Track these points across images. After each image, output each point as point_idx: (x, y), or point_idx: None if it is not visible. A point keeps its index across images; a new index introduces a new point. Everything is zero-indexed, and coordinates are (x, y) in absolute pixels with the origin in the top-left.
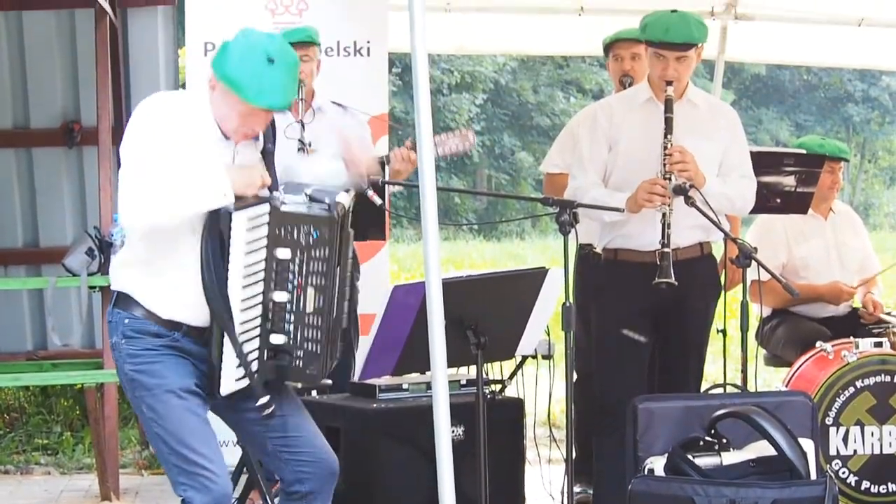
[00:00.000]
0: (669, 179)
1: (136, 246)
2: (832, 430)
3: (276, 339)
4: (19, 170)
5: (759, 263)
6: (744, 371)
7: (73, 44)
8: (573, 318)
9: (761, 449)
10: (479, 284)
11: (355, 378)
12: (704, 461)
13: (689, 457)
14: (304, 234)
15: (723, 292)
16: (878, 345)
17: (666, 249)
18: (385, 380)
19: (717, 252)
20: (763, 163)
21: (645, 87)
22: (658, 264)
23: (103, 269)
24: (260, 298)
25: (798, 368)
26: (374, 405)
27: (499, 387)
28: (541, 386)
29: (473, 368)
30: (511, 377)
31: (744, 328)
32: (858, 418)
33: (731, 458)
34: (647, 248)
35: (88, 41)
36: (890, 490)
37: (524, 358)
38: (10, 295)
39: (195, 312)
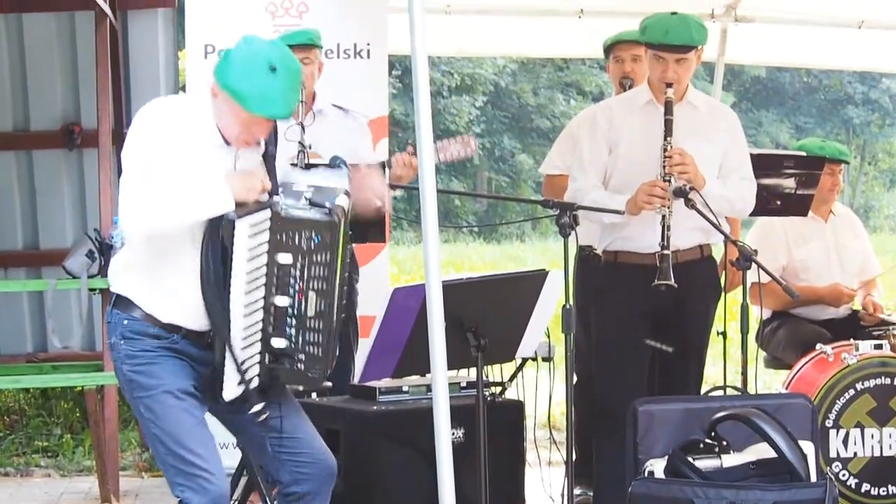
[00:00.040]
0: (669, 181)
1: (137, 250)
2: (832, 432)
3: (278, 342)
4: (19, 172)
5: (759, 266)
6: (744, 373)
7: (74, 46)
8: (573, 320)
9: (761, 451)
10: (479, 287)
11: (355, 380)
12: (704, 463)
13: (690, 459)
14: (306, 240)
15: (723, 294)
16: (879, 347)
17: (665, 251)
18: (385, 382)
19: (717, 254)
20: (763, 165)
21: (645, 89)
22: (658, 266)
23: (103, 271)
24: (261, 303)
25: (798, 371)
26: (375, 407)
27: (499, 389)
28: (541, 388)
29: (473, 371)
30: (511, 379)
31: (744, 330)
32: (858, 420)
33: (731, 460)
34: (647, 251)
35: (88, 43)
36: (890, 492)
37: (524, 360)
38: (10, 297)
39: (195, 317)
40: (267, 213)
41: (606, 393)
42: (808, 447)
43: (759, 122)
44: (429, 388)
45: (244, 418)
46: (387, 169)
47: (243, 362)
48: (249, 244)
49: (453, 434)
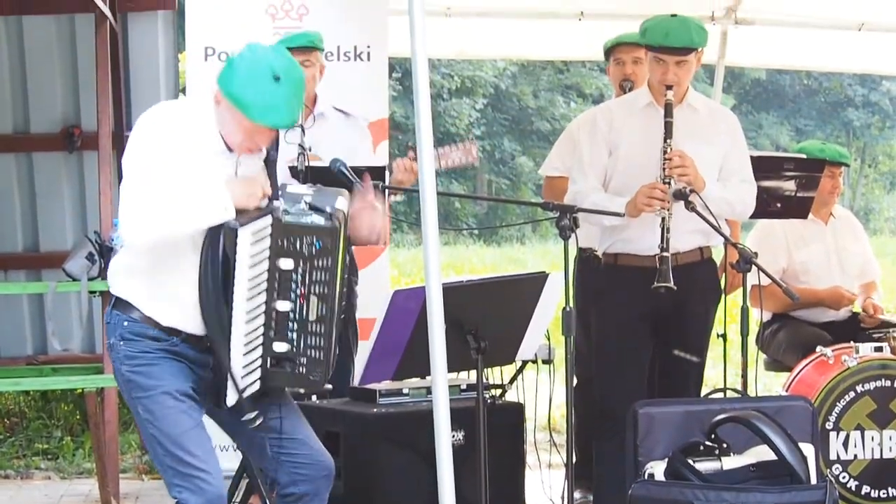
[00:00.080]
0: (669, 184)
1: (138, 254)
2: (832, 434)
3: (280, 347)
4: (19, 174)
5: (760, 268)
6: (744, 376)
7: (74, 48)
8: (573, 322)
9: (761, 454)
10: (479, 289)
11: (355, 383)
12: (705, 466)
13: (690, 461)
14: (307, 245)
15: (723, 297)
16: (879, 349)
17: (665, 253)
18: (385, 384)
19: (717, 257)
20: (763, 167)
21: (645, 91)
22: (657, 269)
23: (103, 273)
24: (263, 308)
25: (798, 373)
26: (375, 410)
27: (499, 391)
28: (541, 391)
29: (474, 373)
30: (511, 382)
31: (744, 333)
32: (859, 423)
33: (731, 462)
34: (647, 253)
35: (88, 46)
36: (890, 495)
37: (524, 363)
38: (10, 300)
39: (195, 321)
40: (268, 220)
41: (606, 395)
42: (808, 449)
43: (760, 124)
44: (429, 390)
45: (243, 421)
46: (387, 172)
47: (244, 367)
48: (251, 251)
49: (453, 436)
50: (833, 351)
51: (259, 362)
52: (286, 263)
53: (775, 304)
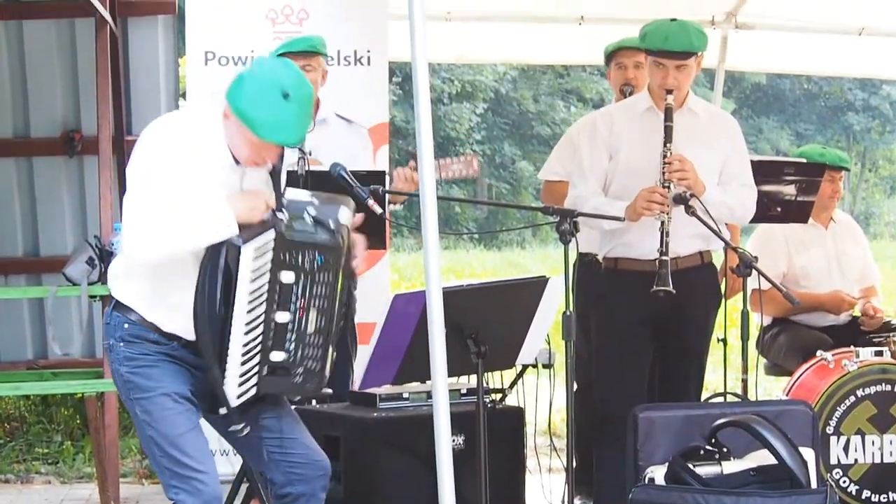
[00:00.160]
0: (668, 188)
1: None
2: (833, 439)
3: (277, 356)
4: (20, 179)
5: (760, 272)
6: (744, 380)
7: (74, 53)
8: (573, 327)
9: (762, 458)
10: (479, 293)
11: (355, 387)
12: (705, 470)
13: (690, 466)
14: (309, 261)
15: (723, 301)
16: (879, 354)
17: (664, 257)
18: (385, 389)
19: (717, 261)
20: (763, 172)
21: (645, 95)
22: (657, 273)
23: (104, 278)
24: (262, 318)
25: (798, 377)
26: (375, 414)
27: (499, 396)
28: (541, 395)
29: (474, 377)
30: (511, 386)
31: (744, 337)
32: (859, 427)
33: (731, 467)
34: (647, 257)
35: (89, 50)
36: (891, 499)
37: (525, 367)
38: (10, 304)
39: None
40: (271, 234)
41: (607, 399)
42: (808, 454)
43: (760, 128)
44: (429, 394)
45: (230, 431)
46: (387, 178)
47: (240, 376)
48: (253, 266)
49: (454, 441)
50: (833, 355)
51: (256, 369)
52: (287, 277)
53: (775, 309)
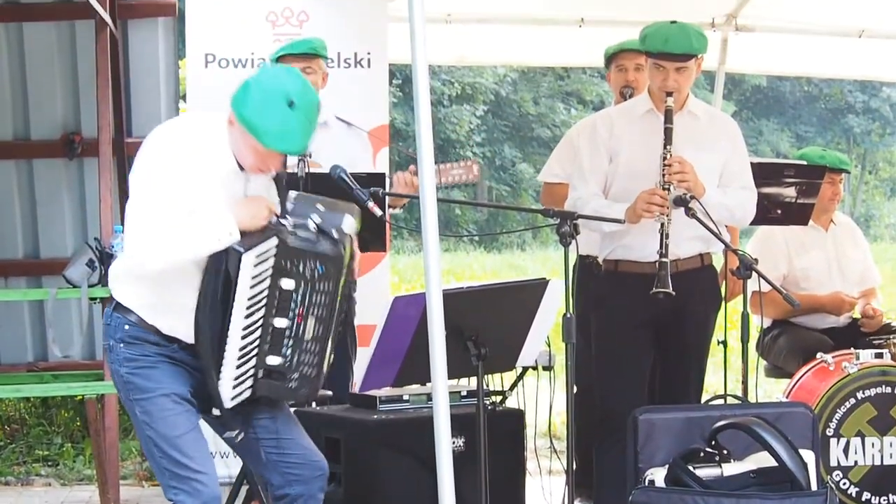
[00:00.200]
0: (668, 190)
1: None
2: (833, 441)
3: (273, 360)
4: (20, 181)
5: (760, 275)
6: (744, 382)
7: (74, 55)
8: (574, 329)
9: (762, 460)
10: (479, 295)
11: (355, 389)
12: (705, 472)
13: (690, 468)
14: (310, 270)
15: (723, 303)
16: (879, 356)
17: (664, 259)
18: (385, 391)
19: (718, 264)
20: (764, 174)
21: (645, 98)
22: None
23: (104, 280)
24: (261, 322)
25: (799, 379)
26: (375, 416)
27: (499, 398)
28: (541, 397)
29: (474, 380)
30: (511, 388)
31: (744, 339)
32: (859, 429)
33: (731, 469)
34: (647, 259)
35: (89, 53)
36: (891, 501)
37: (525, 369)
38: (10, 306)
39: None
40: (273, 242)
41: (607, 401)
42: (808, 456)
43: (760, 130)
44: (429, 396)
45: (225, 437)
46: (387, 180)
47: (235, 379)
48: (253, 272)
49: (454, 443)
50: (833, 357)
51: (252, 372)
52: (287, 284)
53: (776, 311)
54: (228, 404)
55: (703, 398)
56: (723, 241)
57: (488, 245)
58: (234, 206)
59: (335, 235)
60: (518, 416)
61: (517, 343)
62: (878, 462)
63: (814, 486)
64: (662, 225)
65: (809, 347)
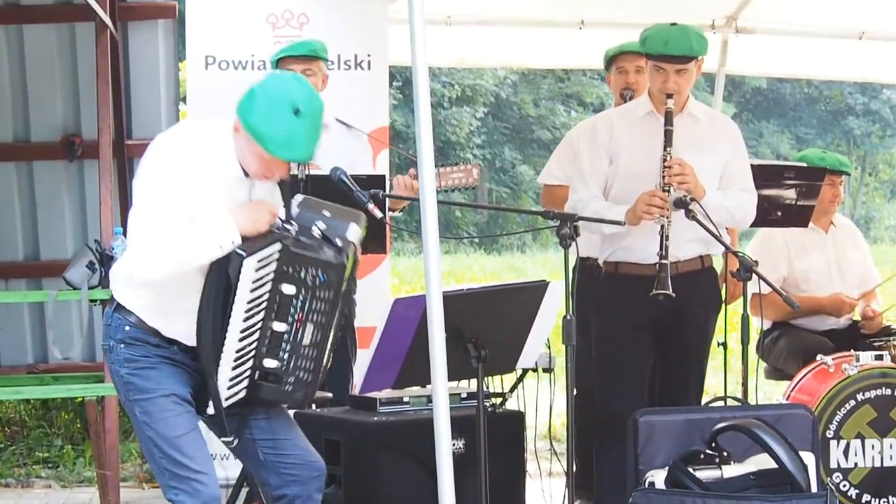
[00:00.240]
0: (668, 192)
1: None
2: (833, 443)
3: (269, 363)
4: (20, 183)
5: (760, 277)
6: (744, 384)
7: (74, 57)
8: (574, 331)
9: (762, 462)
10: (479, 297)
11: (355, 391)
12: (705, 474)
13: (690, 470)
14: (311, 277)
15: (723, 305)
16: (879, 358)
17: (664, 261)
18: (386, 393)
19: (717, 265)
20: (764, 176)
21: (645, 100)
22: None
23: (104, 282)
24: (259, 325)
25: (799, 381)
26: (375, 418)
27: (499, 400)
28: (541, 399)
29: (474, 381)
30: (512, 390)
31: (744, 341)
32: (859, 431)
33: (731, 471)
34: (647, 261)
35: (89, 55)
36: (891, 503)
37: (525, 371)
38: (10, 308)
39: (195, 337)
40: (276, 247)
41: (607, 403)
42: (808, 458)
43: (760, 132)
44: (429, 398)
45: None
46: (388, 182)
47: (230, 380)
48: (254, 276)
49: (454, 445)
50: (833, 359)
51: (248, 373)
52: (288, 289)
53: (775, 313)
54: (222, 403)
55: (704, 400)
56: (723, 243)
57: (488, 247)
58: (235, 210)
59: (339, 244)
60: (518, 418)
61: (517, 345)
62: (878, 464)
63: (814, 488)
64: (662, 227)
65: (809, 349)
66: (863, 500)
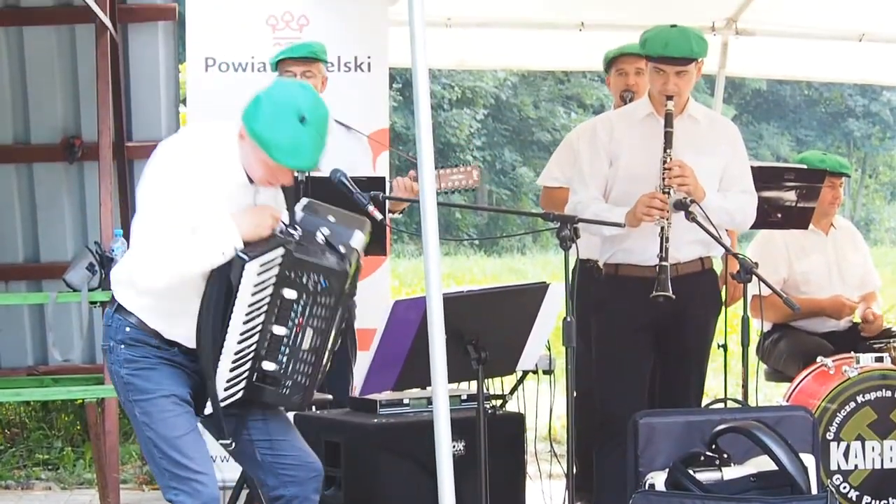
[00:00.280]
0: (668, 193)
1: None
2: (833, 444)
3: (268, 366)
4: (20, 185)
5: (760, 278)
6: (744, 386)
7: (74, 59)
8: (574, 333)
9: (762, 464)
10: (479, 299)
11: (355, 393)
12: (705, 476)
13: (690, 472)
14: (313, 282)
15: (723, 307)
16: (879, 360)
17: (664, 263)
18: (386, 395)
19: (717, 267)
20: (764, 178)
21: (645, 102)
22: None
23: (104, 284)
24: (259, 328)
25: (799, 383)
26: (375, 420)
27: (499, 402)
28: (541, 401)
29: (474, 383)
30: (512, 392)
31: (744, 343)
32: (859, 433)
33: (731, 472)
34: (647, 263)
35: (89, 56)
36: None
37: (525, 373)
38: (10, 310)
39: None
40: (279, 252)
41: (607, 405)
42: (808, 460)
43: (760, 134)
44: (429, 400)
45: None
46: (388, 184)
47: (228, 381)
48: (256, 280)
49: (454, 447)
50: (833, 361)
51: (246, 375)
52: (290, 294)
53: (776, 315)
54: (220, 404)
55: (704, 402)
56: (723, 245)
57: (488, 249)
58: (238, 216)
59: (342, 251)
60: (518, 420)
61: (517, 347)
62: (878, 466)
63: (814, 490)
64: (662, 229)
65: (810, 351)
66: (863, 502)
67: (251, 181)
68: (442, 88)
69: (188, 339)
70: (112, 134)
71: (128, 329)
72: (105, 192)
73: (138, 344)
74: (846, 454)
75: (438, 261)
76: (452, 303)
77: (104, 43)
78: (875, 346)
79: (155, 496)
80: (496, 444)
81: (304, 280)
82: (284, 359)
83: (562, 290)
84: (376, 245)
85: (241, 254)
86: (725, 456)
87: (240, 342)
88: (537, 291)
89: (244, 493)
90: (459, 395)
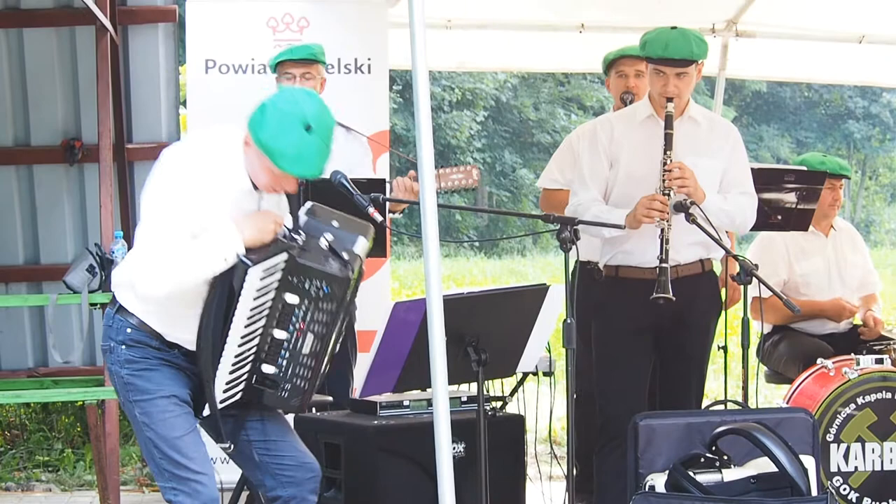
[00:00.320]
0: (668, 195)
1: None
2: (833, 446)
3: (268, 368)
4: (20, 187)
5: (760, 280)
6: (745, 388)
7: (74, 61)
8: (574, 334)
9: (762, 465)
10: (479, 301)
11: (356, 395)
12: (705, 478)
13: (690, 473)
14: (315, 288)
15: (723, 309)
16: (879, 361)
17: (664, 265)
18: (386, 396)
19: (718, 269)
20: (764, 179)
21: (645, 103)
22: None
23: (104, 286)
24: (260, 331)
25: (799, 385)
26: (375, 422)
27: (500, 403)
28: (542, 403)
29: (474, 385)
30: (512, 394)
31: (745, 345)
32: (859, 435)
33: (731, 474)
34: (647, 265)
35: (89, 58)
36: None
37: (525, 375)
38: (10, 312)
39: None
40: (282, 257)
41: (607, 407)
42: (808, 461)
43: (760, 136)
44: (429, 402)
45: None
46: (387, 186)
47: (227, 383)
48: (258, 285)
49: (454, 448)
50: (834, 363)
51: (245, 377)
52: (292, 298)
53: (776, 317)
54: (218, 405)
55: (704, 404)
56: (723, 247)
57: (489, 251)
58: (240, 221)
59: (345, 257)
60: (518, 422)
61: (517, 348)
62: (878, 468)
63: (814, 492)
64: (663, 230)
65: (810, 353)
66: None
67: (255, 187)
68: (442, 90)
69: (189, 341)
70: (112, 136)
71: (128, 330)
72: (105, 193)
73: (139, 345)
74: (846, 456)
75: (438, 262)
76: (452, 304)
77: (104, 45)
78: (875, 347)
79: (155, 498)
80: (496, 445)
81: (307, 285)
82: (284, 362)
83: (562, 292)
84: (376, 247)
85: (243, 259)
86: (725, 458)
87: (240, 345)
88: (537, 293)
89: (244, 494)
90: (459, 397)
